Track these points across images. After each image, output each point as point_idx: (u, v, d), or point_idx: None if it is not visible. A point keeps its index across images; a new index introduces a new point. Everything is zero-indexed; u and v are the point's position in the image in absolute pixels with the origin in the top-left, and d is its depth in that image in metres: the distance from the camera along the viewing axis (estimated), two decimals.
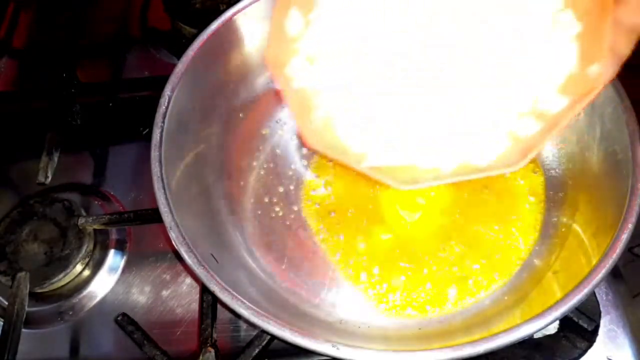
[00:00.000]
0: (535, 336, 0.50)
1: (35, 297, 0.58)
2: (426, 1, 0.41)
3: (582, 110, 0.39)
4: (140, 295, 0.59)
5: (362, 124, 0.41)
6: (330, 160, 0.58)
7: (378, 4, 0.42)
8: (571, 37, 0.40)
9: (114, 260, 0.61)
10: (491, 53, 0.40)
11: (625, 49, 0.38)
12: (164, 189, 0.47)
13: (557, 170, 0.57)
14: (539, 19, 0.41)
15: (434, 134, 0.40)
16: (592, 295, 0.52)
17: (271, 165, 0.60)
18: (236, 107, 0.60)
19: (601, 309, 0.52)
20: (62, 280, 0.58)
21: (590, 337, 0.51)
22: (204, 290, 0.54)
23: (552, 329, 0.51)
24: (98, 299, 0.59)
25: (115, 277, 0.60)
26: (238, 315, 0.43)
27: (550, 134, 0.38)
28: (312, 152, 0.60)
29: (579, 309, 0.49)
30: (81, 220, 0.59)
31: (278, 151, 0.61)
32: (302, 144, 0.45)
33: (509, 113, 0.40)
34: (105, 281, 0.59)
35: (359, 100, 0.41)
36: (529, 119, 0.40)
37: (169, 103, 0.50)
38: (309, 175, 0.59)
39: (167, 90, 0.51)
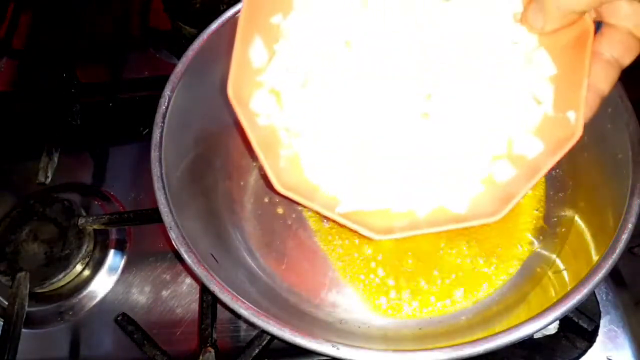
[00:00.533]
0: (535, 336, 0.50)
1: (35, 297, 0.58)
2: (395, 36, 0.39)
3: (562, 158, 0.36)
4: (140, 295, 0.59)
5: (331, 162, 0.40)
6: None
7: (346, 34, 0.40)
8: (546, 78, 0.38)
9: (114, 260, 0.61)
10: (464, 92, 0.39)
11: (604, 85, 0.36)
12: (164, 189, 0.47)
13: (557, 170, 0.57)
14: (513, 57, 0.39)
15: (406, 173, 0.39)
16: (592, 295, 0.52)
17: None
18: None
19: (601, 309, 0.52)
20: (62, 280, 0.58)
21: (590, 337, 0.51)
22: (204, 290, 0.54)
23: (552, 329, 0.51)
24: (98, 299, 0.59)
25: (115, 277, 0.60)
26: (238, 315, 0.43)
27: (530, 183, 0.36)
28: None
29: (579, 309, 0.49)
30: (81, 220, 0.59)
31: None
32: (269, 188, 0.40)
33: (483, 155, 0.39)
34: (105, 281, 0.59)
35: (327, 137, 0.40)
36: (504, 162, 0.38)
37: (169, 103, 0.50)
38: None
39: (167, 90, 0.51)
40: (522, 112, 0.39)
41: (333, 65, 0.40)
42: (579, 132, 0.35)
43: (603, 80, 0.36)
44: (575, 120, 0.36)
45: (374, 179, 0.39)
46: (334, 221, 0.40)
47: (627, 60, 0.36)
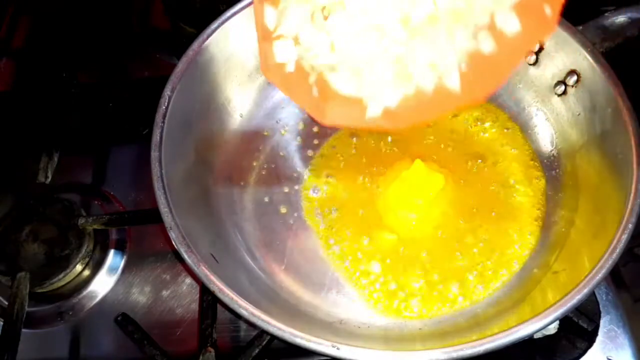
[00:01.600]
0: (535, 336, 0.50)
1: (35, 297, 0.58)
2: None
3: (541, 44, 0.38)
4: (140, 295, 0.59)
5: (350, 67, 0.41)
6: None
7: None
8: None
9: (114, 260, 0.61)
10: None
11: None
12: (164, 189, 0.47)
13: (557, 170, 0.57)
14: None
15: (409, 51, 0.40)
16: (592, 295, 0.52)
17: (272, 165, 0.60)
18: (236, 107, 0.60)
19: (601, 309, 0.52)
20: (62, 280, 0.58)
21: (590, 337, 0.51)
22: (204, 290, 0.54)
23: (552, 329, 0.51)
24: (98, 299, 0.59)
25: (115, 277, 0.60)
26: (238, 315, 0.43)
27: (508, 67, 0.38)
28: (312, 155, 0.60)
29: (579, 309, 0.50)
30: (81, 220, 0.59)
31: (278, 151, 0.61)
32: (315, 122, 0.43)
33: (468, 24, 0.40)
34: (105, 281, 0.59)
35: (343, 51, 0.41)
36: (485, 34, 0.40)
37: (169, 103, 0.50)
38: (309, 176, 0.59)
39: (167, 90, 0.51)
40: None
41: None
42: (552, 27, 0.37)
43: None
44: (551, 15, 0.37)
45: (383, 66, 0.41)
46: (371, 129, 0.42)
47: None
